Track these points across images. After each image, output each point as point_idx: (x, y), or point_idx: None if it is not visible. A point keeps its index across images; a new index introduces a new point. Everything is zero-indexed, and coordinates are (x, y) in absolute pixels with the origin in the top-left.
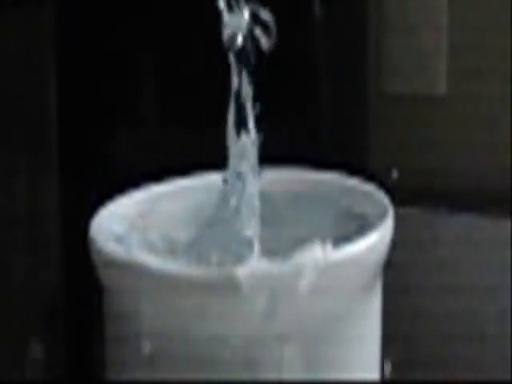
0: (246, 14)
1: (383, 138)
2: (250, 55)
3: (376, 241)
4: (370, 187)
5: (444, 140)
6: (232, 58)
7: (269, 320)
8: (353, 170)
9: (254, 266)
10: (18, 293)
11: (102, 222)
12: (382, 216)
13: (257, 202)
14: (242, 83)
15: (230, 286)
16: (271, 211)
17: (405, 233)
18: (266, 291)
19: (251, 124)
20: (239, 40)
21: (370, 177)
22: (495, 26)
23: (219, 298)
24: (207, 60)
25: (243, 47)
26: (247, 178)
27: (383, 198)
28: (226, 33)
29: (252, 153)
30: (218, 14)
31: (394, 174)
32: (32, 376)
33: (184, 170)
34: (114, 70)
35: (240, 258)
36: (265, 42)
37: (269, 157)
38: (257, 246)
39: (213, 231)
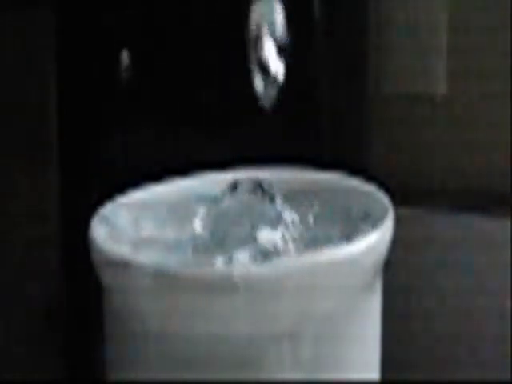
0: None
1: (383, 137)
2: None
3: (376, 241)
4: (370, 187)
5: (444, 140)
6: None
7: (269, 319)
8: (353, 170)
9: (254, 266)
10: (18, 293)
11: (102, 221)
12: (381, 216)
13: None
14: None
15: (230, 286)
16: (271, 211)
17: (405, 233)
18: (265, 291)
19: None
20: None
21: (370, 177)
22: (495, 25)
23: (219, 298)
24: (208, 60)
25: None
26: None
27: (383, 198)
28: None
29: None
30: (218, 13)
31: None
32: (33, 376)
33: (184, 170)
34: (114, 70)
35: (241, 258)
36: None
37: (269, 157)
38: (257, 246)
39: (213, 231)
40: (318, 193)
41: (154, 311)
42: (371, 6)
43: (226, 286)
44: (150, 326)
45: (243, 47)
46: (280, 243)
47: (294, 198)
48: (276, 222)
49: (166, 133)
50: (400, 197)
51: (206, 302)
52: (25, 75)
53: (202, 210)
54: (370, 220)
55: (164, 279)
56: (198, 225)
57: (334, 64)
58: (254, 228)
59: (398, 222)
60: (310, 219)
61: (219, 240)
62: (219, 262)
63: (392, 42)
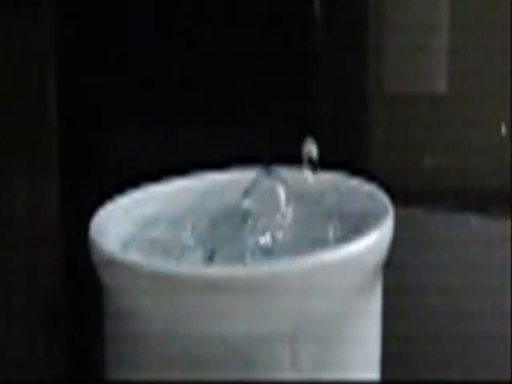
0: None
1: (383, 137)
2: None
3: (376, 241)
4: (370, 187)
5: (444, 140)
6: None
7: (269, 319)
8: (353, 170)
9: (254, 266)
10: (18, 293)
11: (102, 221)
12: (382, 216)
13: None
14: None
15: (230, 286)
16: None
17: (405, 233)
18: (265, 291)
19: None
20: None
21: (370, 177)
22: (495, 26)
23: (219, 298)
24: (207, 60)
25: None
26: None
27: (383, 198)
28: None
29: None
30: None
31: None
32: (33, 376)
33: (184, 170)
34: (114, 70)
35: (241, 259)
36: None
37: (269, 157)
38: (258, 246)
39: (212, 231)
40: (318, 193)
41: (154, 311)
42: (371, 6)
43: (225, 286)
44: (149, 326)
45: (243, 47)
46: (280, 243)
47: (294, 197)
48: (276, 221)
49: (166, 133)
50: (400, 197)
51: (206, 301)
52: (25, 75)
53: (202, 211)
54: (370, 220)
55: (164, 279)
56: (198, 225)
57: (334, 64)
58: (254, 228)
59: (398, 222)
60: (310, 219)
61: (220, 241)
62: (219, 263)
63: (392, 42)
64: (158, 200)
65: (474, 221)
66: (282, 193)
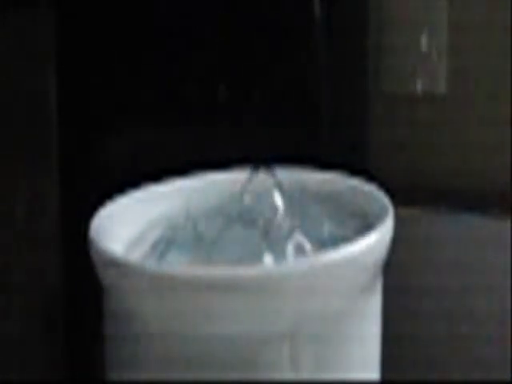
0: None
1: (383, 137)
2: None
3: (376, 241)
4: (370, 187)
5: (444, 140)
6: None
7: (269, 319)
8: (353, 170)
9: (254, 267)
10: (18, 293)
11: (102, 222)
12: (382, 216)
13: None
14: None
15: (230, 286)
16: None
17: (405, 233)
18: (265, 291)
19: None
20: None
21: (370, 177)
22: (495, 26)
23: (219, 298)
24: (207, 61)
25: None
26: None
27: (383, 198)
28: None
29: None
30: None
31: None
32: (33, 376)
33: (184, 170)
34: (114, 70)
35: (241, 259)
36: None
37: (270, 157)
38: (257, 246)
39: (212, 231)
40: (318, 193)
41: (154, 311)
42: (371, 6)
43: (226, 286)
44: (149, 325)
45: (243, 47)
46: (279, 243)
47: (294, 197)
48: (275, 221)
49: (166, 133)
50: (400, 197)
51: (206, 301)
52: (25, 75)
53: (202, 211)
54: (370, 220)
55: (164, 279)
56: (198, 225)
57: (334, 64)
58: (253, 228)
59: (398, 222)
60: (310, 219)
61: (219, 241)
62: (220, 263)
63: (392, 41)
64: (158, 200)
65: (474, 221)
66: (279, 193)
